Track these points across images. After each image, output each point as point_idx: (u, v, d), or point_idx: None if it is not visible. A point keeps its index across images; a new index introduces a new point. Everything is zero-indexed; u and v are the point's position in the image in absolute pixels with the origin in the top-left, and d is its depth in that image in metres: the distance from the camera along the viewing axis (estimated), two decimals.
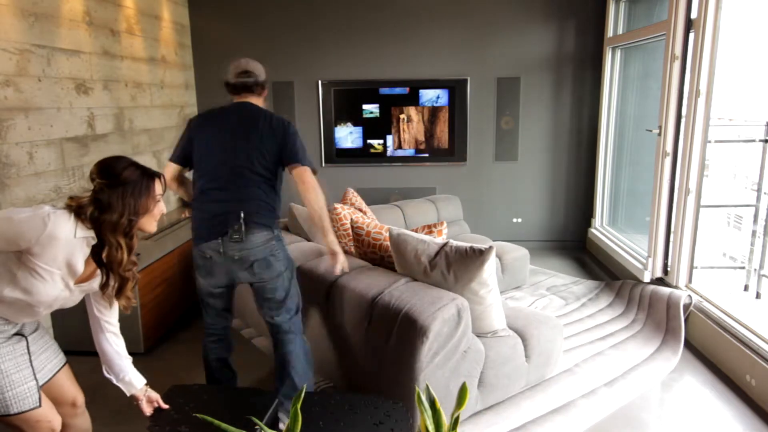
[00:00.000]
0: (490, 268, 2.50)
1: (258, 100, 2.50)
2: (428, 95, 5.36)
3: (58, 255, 1.65)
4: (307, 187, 2.38)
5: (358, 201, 3.87)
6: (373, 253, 3.05)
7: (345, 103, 5.46)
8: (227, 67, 2.48)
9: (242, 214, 2.29)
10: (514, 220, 5.63)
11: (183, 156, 2.46)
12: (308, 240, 3.56)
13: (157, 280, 3.53)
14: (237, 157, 2.34)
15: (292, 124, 2.44)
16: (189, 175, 2.56)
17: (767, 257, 3.57)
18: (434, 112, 5.39)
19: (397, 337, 2.39)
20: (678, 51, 3.61)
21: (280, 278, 2.42)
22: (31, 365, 1.81)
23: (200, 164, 2.41)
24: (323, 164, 5.59)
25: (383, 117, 5.44)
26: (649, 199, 4.04)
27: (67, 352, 3.36)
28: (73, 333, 3.39)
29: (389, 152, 5.52)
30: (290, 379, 2.46)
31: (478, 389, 2.59)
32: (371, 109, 5.44)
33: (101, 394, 2.98)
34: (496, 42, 5.29)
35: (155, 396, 2.02)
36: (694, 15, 3.50)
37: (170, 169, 2.47)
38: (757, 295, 3.61)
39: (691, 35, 3.54)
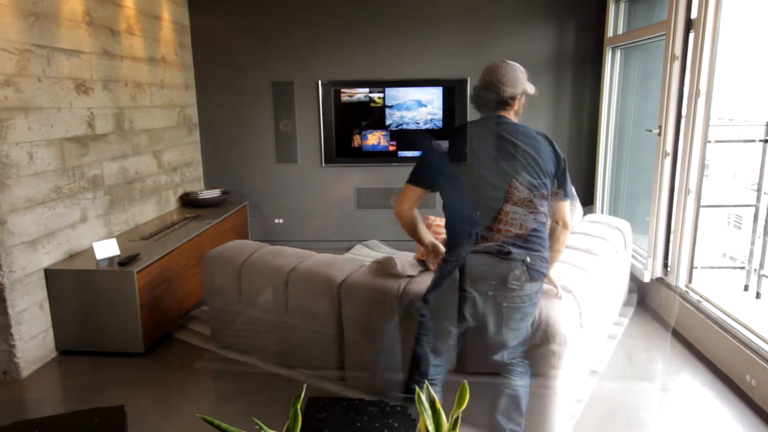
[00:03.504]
0: None
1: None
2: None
3: None
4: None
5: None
6: None
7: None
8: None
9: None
10: None
11: None
12: None
13: (157, 280, 3.53)
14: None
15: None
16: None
17: (767, 257, 3.57)
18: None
19: None
20: (678, 51, 3.61)
21: None
22: None
23: None
24: (323, 164, 5.59)
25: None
26: (649, 199, 4.03)
27: (67, 352, 3.39)
28: (74, 333, 3.40)
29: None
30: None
31: None
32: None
33: (99, 393, 2.99)
34: (496, 42, 5.29)
35: None
36: (694, 15, 3.50)
37: None
38: (757, 295, 3.61)
39: (691, 35, 3.54)
